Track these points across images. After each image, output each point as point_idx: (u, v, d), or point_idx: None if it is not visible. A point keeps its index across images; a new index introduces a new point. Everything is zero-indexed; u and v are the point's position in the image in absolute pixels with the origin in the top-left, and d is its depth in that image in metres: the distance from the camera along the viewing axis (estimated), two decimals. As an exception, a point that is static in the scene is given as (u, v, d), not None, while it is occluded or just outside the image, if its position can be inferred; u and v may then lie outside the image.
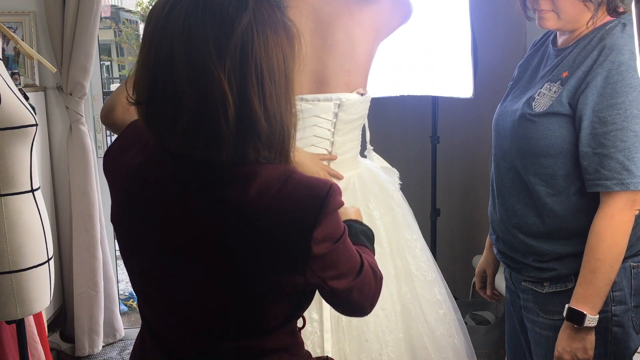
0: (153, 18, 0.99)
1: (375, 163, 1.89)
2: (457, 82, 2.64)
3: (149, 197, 1.06)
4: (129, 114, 1.34)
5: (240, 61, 0.95)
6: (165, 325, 1.14)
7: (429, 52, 2.68)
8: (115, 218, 1.13)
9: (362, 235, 1.23)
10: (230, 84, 0.94)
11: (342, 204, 1.04)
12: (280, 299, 1.05)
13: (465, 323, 1.84)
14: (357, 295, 1.10)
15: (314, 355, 1.22)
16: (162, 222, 1.04)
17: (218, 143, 0.96)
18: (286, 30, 1.01)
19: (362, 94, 1.64)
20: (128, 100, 1.04)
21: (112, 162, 1.15)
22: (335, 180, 1.67)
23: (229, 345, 1.09)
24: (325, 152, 1.65)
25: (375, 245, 1.67)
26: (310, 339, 1.55)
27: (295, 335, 1.16)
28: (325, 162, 1.67)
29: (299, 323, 1.19)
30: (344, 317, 1.61)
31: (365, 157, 1.89)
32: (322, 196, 0.99)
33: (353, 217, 1.29)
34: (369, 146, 1.89)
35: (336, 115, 1.61)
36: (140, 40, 1.04)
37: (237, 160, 0.99)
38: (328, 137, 1.63)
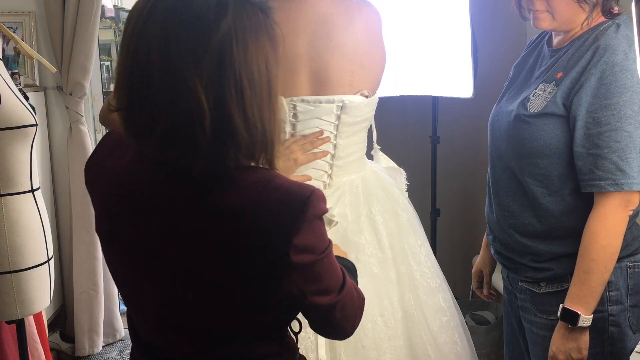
0: (132, 20, 0.96)
1: (382, 163, 1.85)
2: (457, 82, 2.64)
3: (131, 204, 1.04)
4: None
5: (217, 71, 0.92)
6: (152, 331, 1.13)
7: (429, 52, 2.68)
8: (99, 228, 1.12)
9: (344, 268, 1.19)
10: (206, 94, 0.91)
11: (324, 211, 1.01)
12: (263, 308, 1.04)
13: (465, 323, 1.83)
14: (339, 313, 1.07)
15: None
16: (144, 229, 1.03)
17: (194, 152, 0.94)
18: (269, 35, 0.98)
19: (366, 96, 1.62)
20: (109, 108, 1.03)
21: (93, 173, 1.14)
22: (339, 183, 1.66)
23: (216, 351, 1.08)
24: (327, 154, 1.64)
25: (377, 251, 1.65)
26: (303, 344, 1.52)
27: (285, 342, 1.14)
28: (328, 162, 1.64)
29: (295, 327, 1.17)
30: None
31: (372, 156, 1.87)
32: (301, 202, 0.97)
33: (334, 254, 1.26)
34: (375, 146, 1.86)
35: (339, 117, 1.59)
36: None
37: (215, 169, 0.97)
38: (330, 139, 1.62)
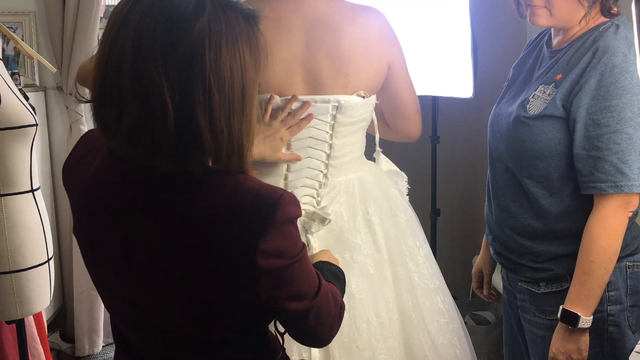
0: (113, 16, 0.97)
1: (383, 166, 1.84)
2: (457, 82, 2.64)
3: (101, 204, 1.04)
4: None
5: (186, 72, 0.91)
6: (129, 332, 1.13)
7: (429, 52, 2.68)
8: (75, 229, 1.11)
9: (331, 274, 1.19)
10: (172, 94, 0.91)
11: (296, 215, 1.00)
12: (233, 312, 1.03)
13: (465, 323, 1.82)
14: (313, 320, 1.05)
15: None
16: (113, 230, 1.03)
17: (158, 152, 0.94)
18: (250, 42, 0.97)
19: (363, 97, 1.61)
20: (77, 98, 1.03)
21: (69, 175, 1.14)
22: (334, 183, 1.65)
23: (188, 355, 1.07)
24: (322, 154, 1.63)
25: (373, 251, 1.64)
26: (296, 344, 1.52)
27: (264, 344, 1.13)
28: (324, 161, 1.63)
29: (281, 328, 1.16)
30: None
31: (374, 159, 1.86)
32: (269, 205, 0.95)
33: (324, 259, 1.25)
34: (377, 148, 1.85)
35: (334, 117, 1.59)
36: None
37: (180, 170, 0.96)
38: (326, 139, 1.61)
